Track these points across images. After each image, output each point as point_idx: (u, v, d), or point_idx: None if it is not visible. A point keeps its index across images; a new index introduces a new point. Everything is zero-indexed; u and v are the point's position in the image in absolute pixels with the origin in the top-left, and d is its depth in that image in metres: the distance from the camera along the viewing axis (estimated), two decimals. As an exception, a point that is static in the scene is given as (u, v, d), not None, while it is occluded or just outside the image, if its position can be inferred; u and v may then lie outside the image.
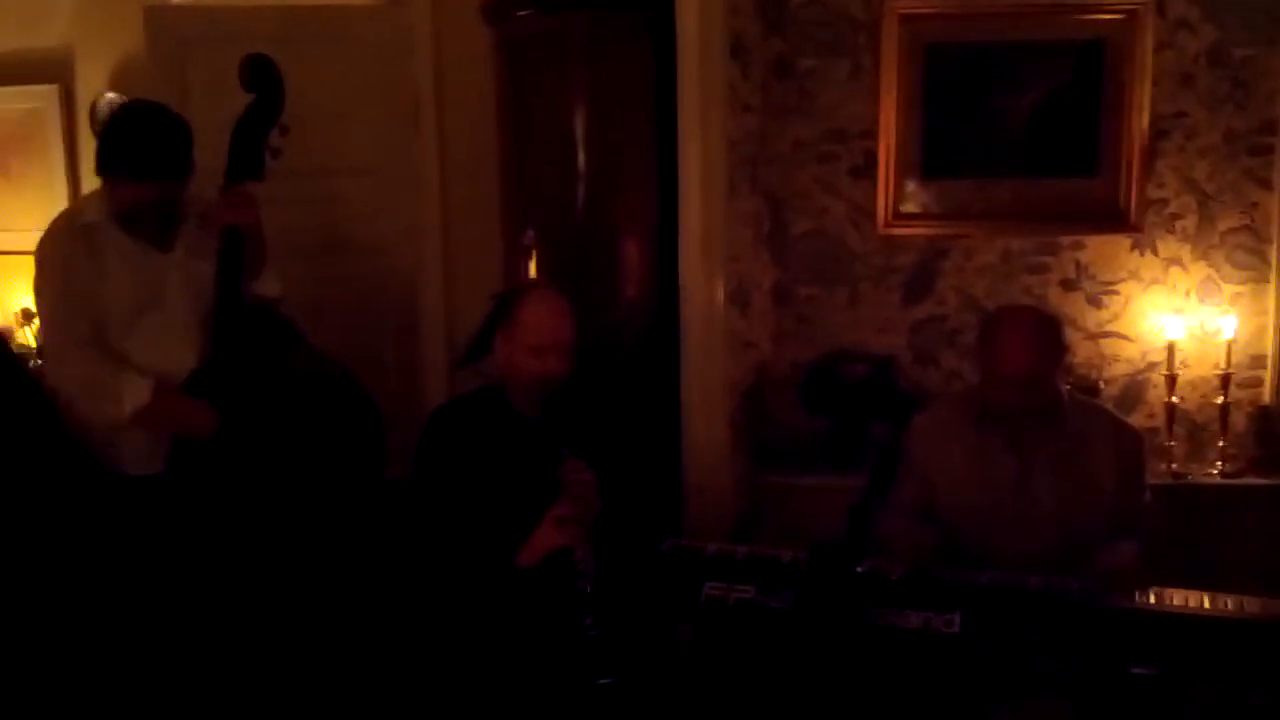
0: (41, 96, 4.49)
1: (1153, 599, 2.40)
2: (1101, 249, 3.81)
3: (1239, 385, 3.74)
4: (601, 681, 2.55)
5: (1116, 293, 3.82)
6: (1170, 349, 3.67)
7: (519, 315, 2.75)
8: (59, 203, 4.50)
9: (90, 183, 4.50)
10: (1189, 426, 3.79)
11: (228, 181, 3.03)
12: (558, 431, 2.70)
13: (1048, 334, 2.72)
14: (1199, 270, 3.78)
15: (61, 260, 2.98)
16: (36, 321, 4.34)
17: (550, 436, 2.70)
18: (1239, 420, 3.77)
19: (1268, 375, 3.78)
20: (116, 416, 2.93)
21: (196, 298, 3.04)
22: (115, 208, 2.94)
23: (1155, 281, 3.80)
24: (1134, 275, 3.81)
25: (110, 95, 4.41)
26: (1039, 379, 2.67)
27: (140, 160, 2.87)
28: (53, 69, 4.48)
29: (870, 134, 3.82)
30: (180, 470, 2.98)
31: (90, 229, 2.99)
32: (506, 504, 2.67)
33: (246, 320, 3.02)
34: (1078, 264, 3.82)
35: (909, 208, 3.85)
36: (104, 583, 3.02)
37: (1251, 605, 2.37)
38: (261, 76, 3.04)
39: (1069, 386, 2.91)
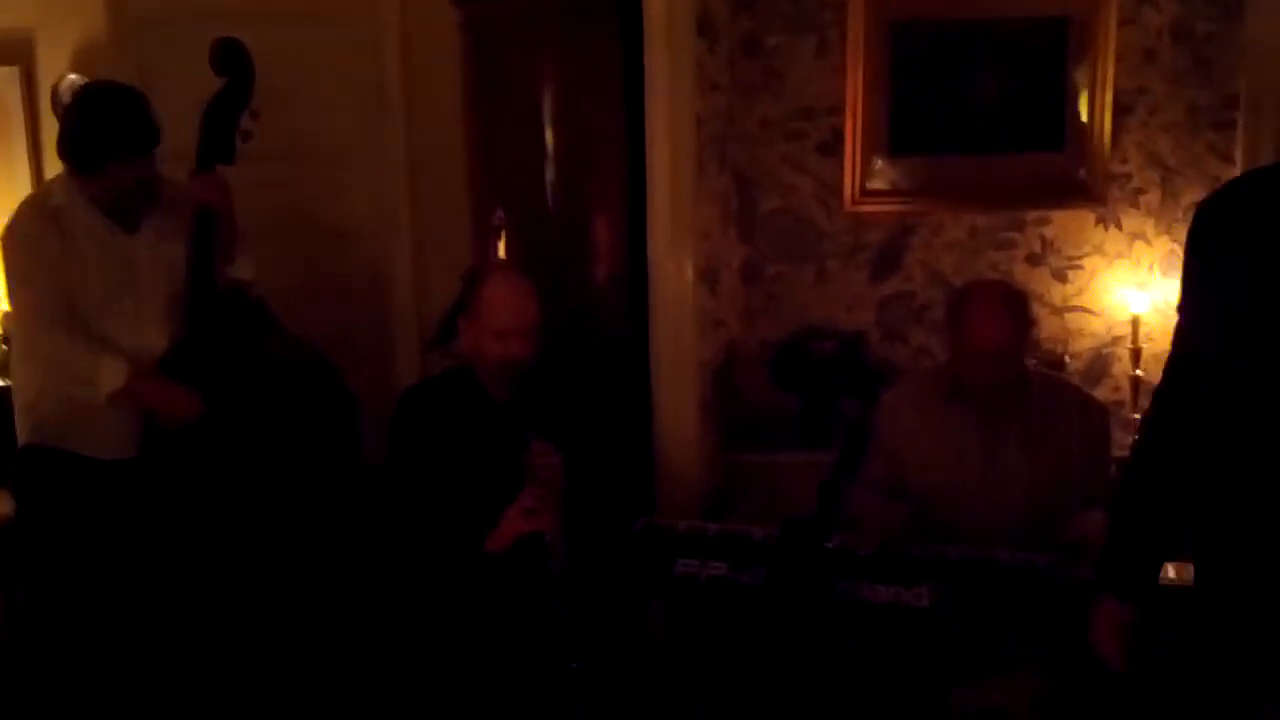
0: (2, 78, 4.44)
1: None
2: (1066, 224, 3.84)
3: (1202, 358, 3.78)
4: (571, 666, 2.56)
5: (1081, 267, 3.85)
6: (1135, 323, 3.71)
7: (480, 297, 2.73)
8: (21, 185, 4.44)
9: (52, 165, 4.46)
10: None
11: (199, 165, 3.02)
12: (528, 412, 2.70)
13: (1017, 307, 2.76)
14: (1162, 245, 3.82)
15: (33, 243, 2.96)
16: (4, 308, 4.30)
17: (520, 417, 2.69)
18: (1202, 392, 3.81)
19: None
20: (92, 399, 2.93)
21: (167, 279, 3.03)
22: (104, 195, 2.93)
23: (1120, 256, 3.83)
24: (1098, 250, 3.84)
25: (72, 77, 4.35)
26: (1009, 353, 2.70)
27: (126, 140, 2.88)
28: (13, 50, 4.41)
29: (837, 111, 3.84)
30: (153, 455, 2.97)
31: (58, 211, 2.97)
32: (476, 487, 2.66)
33: (219, 303, 3.01)
34: (1043, 239, 3.85)
35: (876, 185, 3.87)
36: (77, 568, 3.02)
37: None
38: (233, 60, 3.03)
39: (1035, 362, 2.94)
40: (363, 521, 3.00)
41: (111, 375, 2.89)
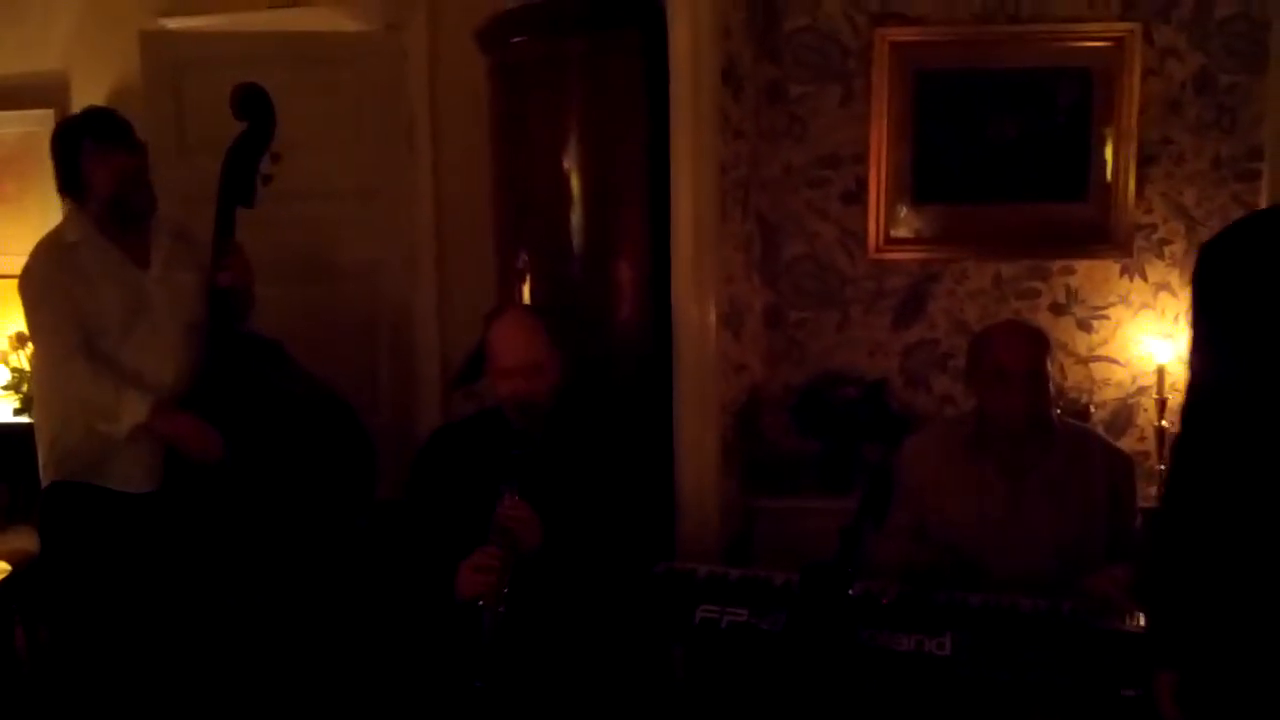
0: (37, 121, 4.51)
1: (1143, 621, 2.40)
2: (1091, 274, 3.84)
3: (1228, 409, 3.75)
4: None
5: (1106, 317, 3.84)
6: (1160, 373, 3.69)
7: (490, 338, 2.75)
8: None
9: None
10: (1179, 450, 3.80)
11: (220, 206, 3.07)
12: (521, 461, 2.64)
13: (1037, 334, 2.83)
14: (1188, 295, 3.79)
15: (49, 281, 3.05)
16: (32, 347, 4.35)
17: (510, 465, 2.63)
18: (1228, 443, 3.78)
19: (1256, 399, 3.79)
20: (115, 433, 2.96)
21: (180, 309, 3.10)
22: (104, 192, 3.02)
23: (1145, 306, 3.82)
24: (1123, 300, 3.83)
25: (106, 119, 4.42)
26: (1036, 372, 2.70)
27: (104, 132, 3.00)
28: (48, 93, 4.50)
29: (861, 159, 3.85)
30: (175, 488, 2.99)
31: (73, 248, 3.07)
32: (473, 528, 2.62)
33: (238, 350, 3.05)
34: (1068, 288, 3.85)
35: (900, 232, 3.88)
36: (99, 605, 3.03)
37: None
38: (253, 105, 3.09)
39: (1059, 411, 2.93)
40: (374, 557, 3.01)
41: (134, 410, 2.94)
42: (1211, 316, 1.88)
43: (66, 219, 3.16)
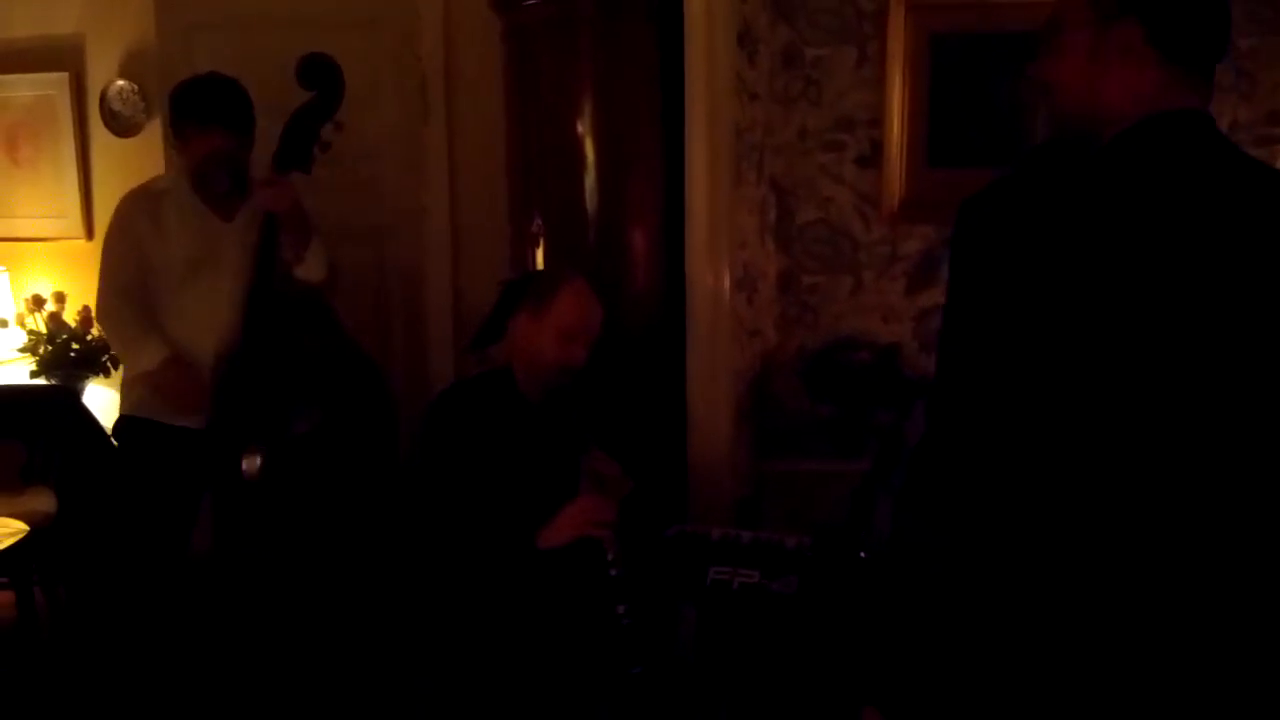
0: (52, 84, 4.51)
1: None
2: (1106, 238, 3.82)
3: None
4: (633, 671, 2.56)
5: (1121, 282, 3.82)
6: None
7: (555, 300, 2.75)
8: (69, 189, 4.54)
9: (100, 170, 4.54)
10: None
11: (275, 169, 3.13)
12: (565, 416, 2.72)
13: None
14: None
15: (126, 222, 3.21)
16: (50, 309, 4.38)
17: (557, 421, 2.72)
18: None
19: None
20: (134, 371, 3.17)
21: (246, 267, 3.16)
22: (190, 163, 3.15)
23: (1159, 271, 3.80)
24: (1138, 264, 3.81)
25: (121, 83, 4.43)
26: None
27: (207, 108, 3.09)
28: (64, 56, 4.50)
29: (876, 123, 3.83)
30: (217, 430, 3.07)
31: (159, 195, 3.21)
32: (521, 486, 2.68)
33: (276, 304, 3.10)
34: (1082, 253, 3.83)
35: (915, 197, 3.87)
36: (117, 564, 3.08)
37: None
38: (321, 74, 3.15)
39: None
40: (395, 519, 3.05)
41: (148, 356, 3.10)
42: (958, 272, 1.82)
43: (169, 169, 3.26)
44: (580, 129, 3.48)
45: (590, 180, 3.49)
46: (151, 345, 3.10)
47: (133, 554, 3.12)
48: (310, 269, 3.20)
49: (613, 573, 2.60)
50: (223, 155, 3.11)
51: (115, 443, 3.31)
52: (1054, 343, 1.61)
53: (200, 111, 3.10)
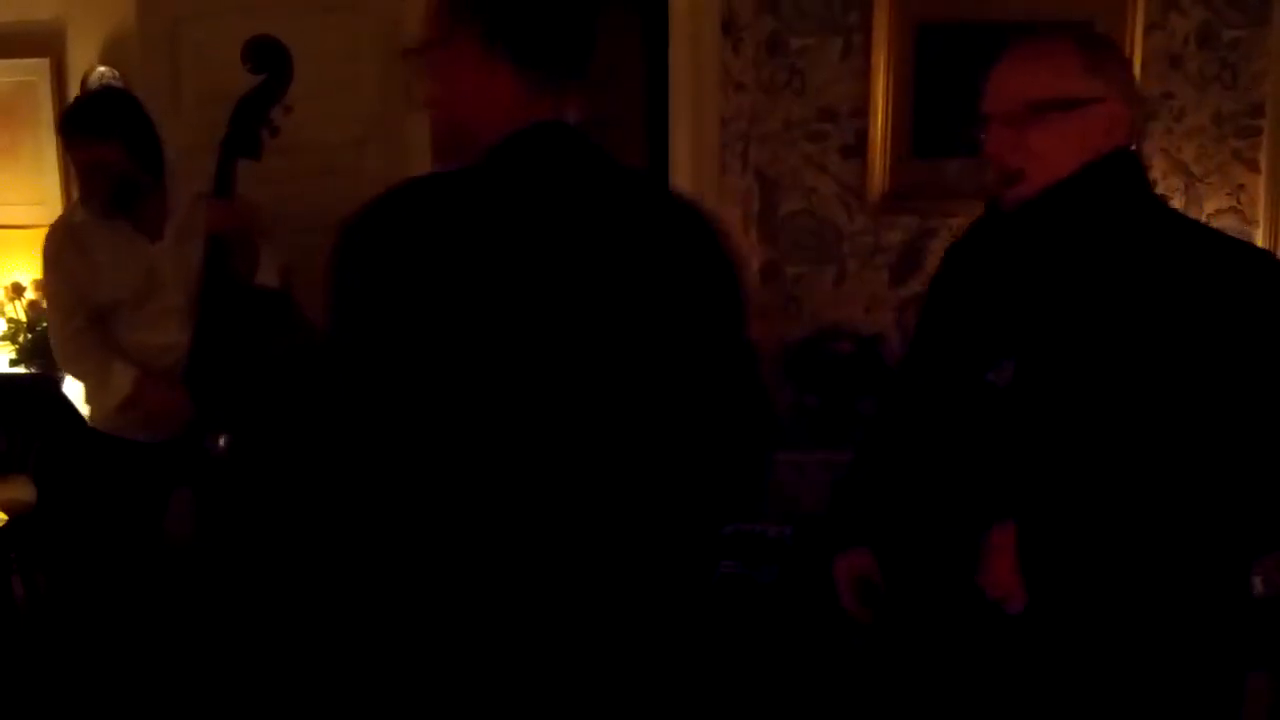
0: (32, 70, 4.49)
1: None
2: (1089, 229, 3.83)
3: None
4: None
5: (1104, 273, 3.83)
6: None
7: None
8: (49, 176, 4.51)
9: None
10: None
11: (223, 157, 3.05)
12: None
13: None
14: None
15: (56, 259, 3.15)
16: (29, 297, 4.36)
17: None
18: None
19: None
20: (109, 403, 3.09)
21: (189, 281, 3.09)
22: (77, 178, 3.11)
23: (1142, 262, 3.81)
24: (1121, 256, 3.82)
25: (102, 69, 4.40)
26: None
27: (78, 121, 3.02)
28: (44, 42, 4.47)
29: (861, 113, 3.84)
30: (195, 437, 3.05)
31: (77, 228, 3.13)
32: None
33: (232, 310, 3.06)
34: (1066, 244, 3.84)
35: (899, 187, 3.87)
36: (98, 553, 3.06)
37: None
38: (268, 57, 3.07)
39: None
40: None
41: (119, 385, 3.05)
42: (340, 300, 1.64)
43: (78, 197, 3.21)
44: (564, 117, 3.47)
45: (573, 169, 3.48)
46: (119, 369, 3.05)
47: (104, 548, 3.09)
48: (265, 276, 3.16)
49: None
50: (100, 164, 3.00)
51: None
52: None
53: (73, 124, 3.03)
